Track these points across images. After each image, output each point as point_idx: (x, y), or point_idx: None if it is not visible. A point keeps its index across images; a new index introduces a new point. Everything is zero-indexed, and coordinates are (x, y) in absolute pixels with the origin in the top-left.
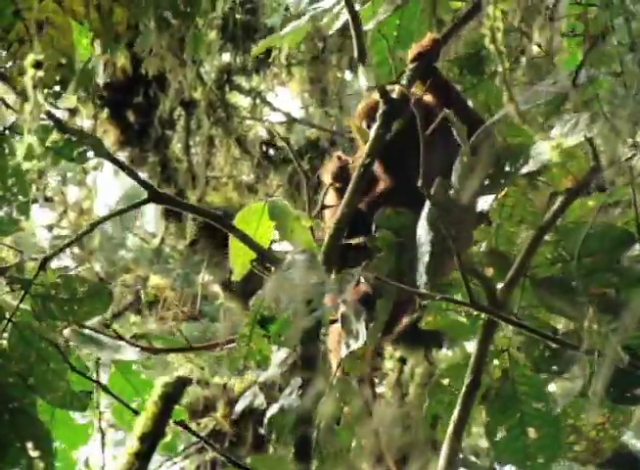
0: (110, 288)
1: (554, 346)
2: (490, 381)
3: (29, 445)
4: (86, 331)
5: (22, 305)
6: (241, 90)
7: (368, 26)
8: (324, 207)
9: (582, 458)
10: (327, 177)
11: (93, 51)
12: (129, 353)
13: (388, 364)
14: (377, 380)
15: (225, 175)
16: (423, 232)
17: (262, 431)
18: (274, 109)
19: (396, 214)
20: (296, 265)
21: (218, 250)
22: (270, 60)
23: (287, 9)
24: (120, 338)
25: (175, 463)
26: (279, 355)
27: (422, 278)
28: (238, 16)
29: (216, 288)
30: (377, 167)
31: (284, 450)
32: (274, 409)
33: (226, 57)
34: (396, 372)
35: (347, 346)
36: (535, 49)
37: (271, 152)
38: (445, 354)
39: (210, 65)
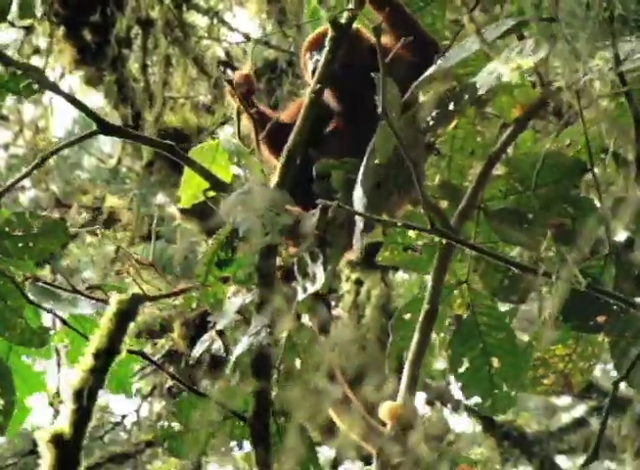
0: (64, 223)
1: (512, 274)
2: (451, 313)
3: None
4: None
5: None
6: (198, 9)
7: None
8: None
9: (553, 391)
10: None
11: None
12: (86, 307)
13: (345, 286)
14: (333, 302)
15: (182, 96)
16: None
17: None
18: (232, 29)
19: (335, 165)
20: (251, 194)
21: (175, 170)
22: None
23: None
24: (77, 291)
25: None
26: (235, 301)
27: (361, 201)
28: None
29: (173, 209)
30: (328, 95)
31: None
32: (241, 349)
33: None
34: (353, 294)
35: (304, 289)
36: None
37: (229, 72)
38: (402, 277)
39: None
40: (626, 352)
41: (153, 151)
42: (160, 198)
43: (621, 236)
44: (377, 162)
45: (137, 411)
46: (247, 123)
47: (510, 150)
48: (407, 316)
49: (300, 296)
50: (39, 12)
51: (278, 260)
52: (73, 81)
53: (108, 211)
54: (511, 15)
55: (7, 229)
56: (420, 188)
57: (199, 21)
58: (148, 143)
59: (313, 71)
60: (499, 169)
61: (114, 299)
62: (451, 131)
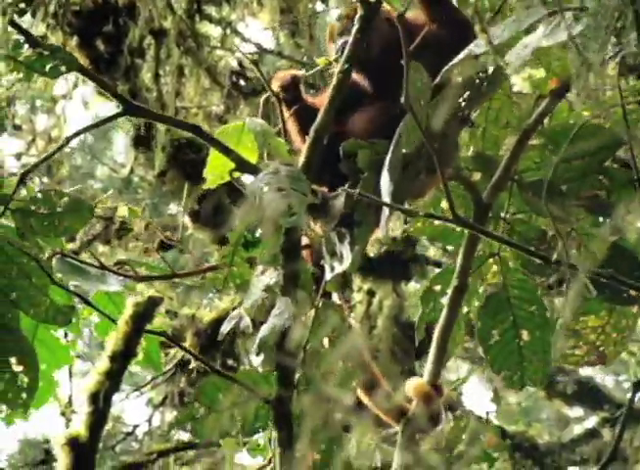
0: (89, 203)
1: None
2: (481, 285)
3: (13, 360)
4: (71, 260)
5: (2, 221)
6: (211, 20)
7: None
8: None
9: (585, 363)
10: (277, 86)
11: None
12: (114, 284)
13: (357, 296)
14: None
15: (195, 105)
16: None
17: (252, 352)
18: (244, 39)
19: (362, 145)
20: (278, 174)
21: (187, 180)
22: None
23: None
24: (104, 267)
25: (142, 394)
26: (262, 279)
27: (387, 188)
28: None
29: (185, 219)
30: (358, 74)
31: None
32: (265, 330)
33: None
34: (365, 304)
35: (332, 268)
36: None
37: (241, 82)
38: (414, 287)
39: None
40: None
41: (165, 161)
42: (173, 207)
43: None
44: (405, 151)
45: (149, 421)
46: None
47: (545, 121)
48: (437, 288)
49: (329, 275)
50: (52, 21)
51: (305, 240)
52: (86, 91)
53: (120, 221)
54: None
55: (32, 207)
56: (442, 176)
57: (211, 31)
58: (173, 124)
59: (341, 52)
60: (534, 140)
61: (131, 301)
62: (486, 103)
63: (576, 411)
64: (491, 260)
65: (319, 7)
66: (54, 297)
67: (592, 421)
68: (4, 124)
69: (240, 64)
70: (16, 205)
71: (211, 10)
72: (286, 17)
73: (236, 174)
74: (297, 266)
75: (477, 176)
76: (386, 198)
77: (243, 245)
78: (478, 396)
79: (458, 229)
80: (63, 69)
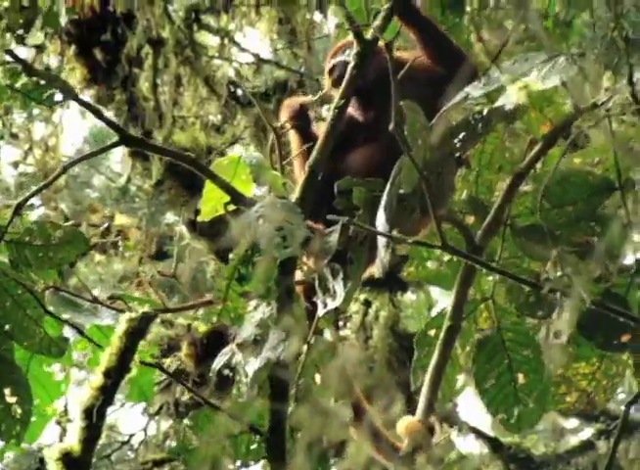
0: (84, 233)
1: (539, 291)
2: (476, 329)
3: (7, 391)
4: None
5: None
6: (209, 30)
7: None
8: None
9: (575, 410)
10: (286, 116)
11: None
12: (106, 317)
13: (354, 307)
14: (341, 323)
15: (192, 115)
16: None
17: (245, 381)
18: (242, 49)
19: (357, 183)
20: (272, 207)
21: (184, 190)
22: None
23: None
24: (97, 301)
25: (137, 403)
26: (255, 315)
27: (383, 225)
28: None
29: (182, 228)
30: (354, 109)
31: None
32: (260, 363)
33: None
34: (361, 315)
35: (325, 305)
36: None
37: (239, 92)
38: (410, 298)
39: (179, 3)
40: None
41: (162, 170)
42: (170, 217)
43: None
44: (402, 191)
45: (144, 430)
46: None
47: (538, 166)
48: (431, 332)
49: (321, 311)
50: (63, 19)
51: (299, 275)
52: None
53: (117, 230)
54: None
55: (27, 238)
56: (433, 210)
57: (209, 40)
58: (169, 155)
59: (336, 79)
60: (527, 185)
61: (125, 317)
62: (479, 146)
63: (572, 423)
64: (484, 305)
65: (317, 17)
66: (48, 329)
67: (588, 433)
68: (1, 134)
69: (237, 73)
70: (10, 236)
71: (209, 20)
72: (284, 27)
73: (230, 207)
74: (291, 301)
75: (470, 219)
76: (381, 238)
77: (237, 279)
78: (473, 407)
79: (451, 271)
80: (60, 97)
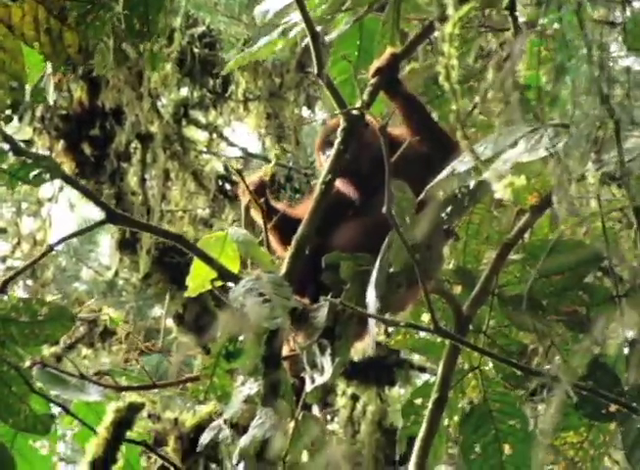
0: (70, 310)
1: (525, 361)
2: (462, 399)
3: None
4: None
5: None
6: (198, 124)
7: (331, 36)
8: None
9: None
10: (248, 192)
11: (44, 70)
12: (94, 393)
13: (341, 401)
14: (329, 417)
15: (180, 209)
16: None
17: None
18: (231, 144)
19: (345, 257)
20: (259, 281)
21: (171, 283)
22: (227, 95)
23: (245, 43)
24: (84, 377)
25: None
26: (242, 390)
27: (373, 304)
28: (196, 50)
29: (169, 322)
30: (342, 185)
31: None
32: (246, 440)
33: (184, 91)
34: (348, 409)
35: (312, 380)
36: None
37: (227, 186)
38: (398, 392)
39: (168, 98)
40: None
41: (150, 263)
42: (157, 311)
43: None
44: (392, 270)
45: None
46: (257, 217)
47: (526, 235)
48: (418, 401)
49: (309, 387)
50: (52, 98)
51: (286, 351)
52: (72, 193)
53: (104, 324)
54: None
55: (13, 315)
56: (424, 288)
57: (198, 135)
58: (155, 232)
59: (326, 157)
60: (515, 255)
61: (111, 407)
62: (466, 217)
63: None
64: (471, 374)
65: (305, 112)
66: (33, 405)
67: None
68: None
69: (225, 168)
70: None
71: (198, 115)
72: (272, 122)
73: (217, 283)
74: (278, 376)
75: (457, 289)
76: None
77: (224, 356)
78: None
79: (439, 340)
80: (47, 176)
